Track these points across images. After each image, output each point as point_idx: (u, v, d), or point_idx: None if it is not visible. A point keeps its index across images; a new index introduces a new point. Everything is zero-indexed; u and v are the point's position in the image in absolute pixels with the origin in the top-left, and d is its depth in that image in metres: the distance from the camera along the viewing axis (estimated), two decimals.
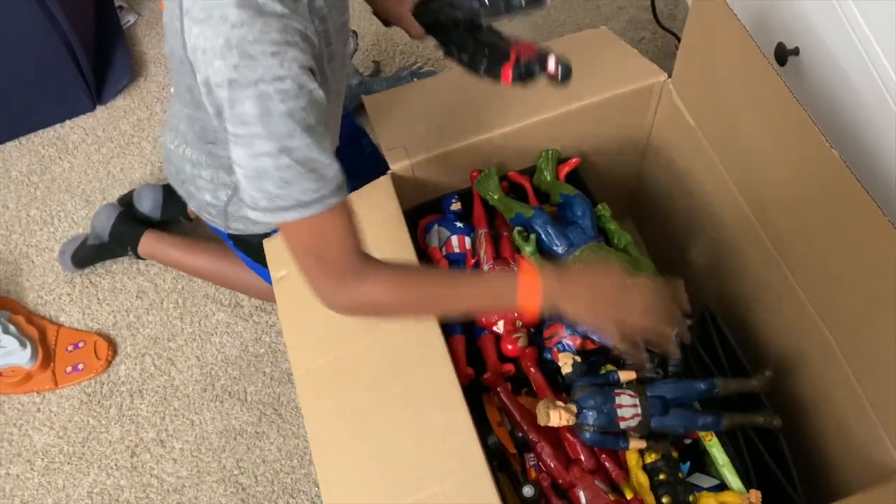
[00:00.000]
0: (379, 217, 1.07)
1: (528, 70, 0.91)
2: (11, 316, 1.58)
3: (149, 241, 1.59)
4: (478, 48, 0.96)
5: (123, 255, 1.64)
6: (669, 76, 1.20)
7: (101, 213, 1.62)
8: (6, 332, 1.52)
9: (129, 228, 1.60)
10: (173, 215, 1.66)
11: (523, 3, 0.92)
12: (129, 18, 2.01)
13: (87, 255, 1.63)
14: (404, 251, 1.04)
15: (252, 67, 0.72)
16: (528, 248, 1.07)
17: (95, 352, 1.56)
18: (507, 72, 0.92)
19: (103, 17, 1.97)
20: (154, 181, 1.73)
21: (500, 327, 1.05)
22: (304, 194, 0.76)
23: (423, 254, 1.14)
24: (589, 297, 0.87)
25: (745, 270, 1.16)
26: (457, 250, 1.13)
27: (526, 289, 0.84)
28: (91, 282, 1.65)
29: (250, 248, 1.22)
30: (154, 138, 1.84)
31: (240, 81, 0.72)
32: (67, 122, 1.87)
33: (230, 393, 1.51)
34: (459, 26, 0.97)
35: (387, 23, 1.06)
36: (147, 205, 1.64)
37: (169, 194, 1.65)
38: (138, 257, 1.62)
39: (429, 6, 0.99)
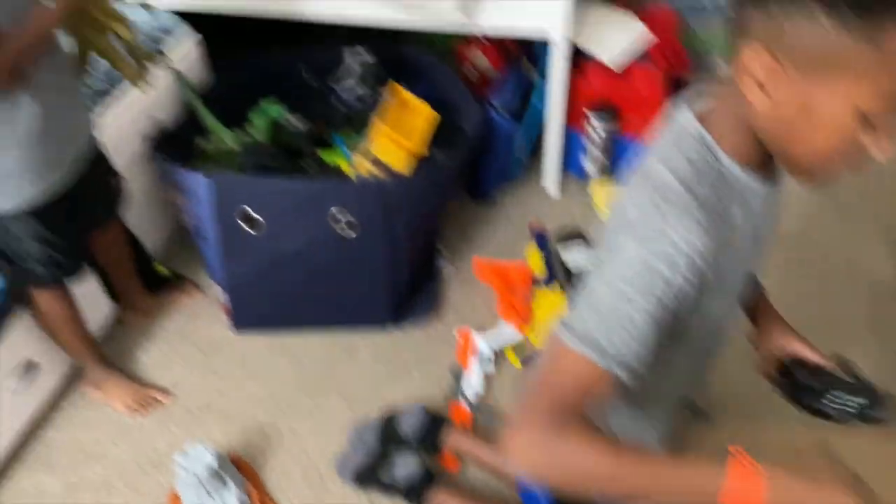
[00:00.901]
0: None
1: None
2: (247, 485, 1.66)
3: (437, 498, 1.64)
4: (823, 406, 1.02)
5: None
6: None
7: (410, 463, 1.67)
8: (240, 501, 1.60)
9: (426, 487, 1.65)
10: (429, 444, 1.73)
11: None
12: (446, 266, 2.23)
13: (374, 484, 1.68)
14: None
15: (658, 216, 0.77)
16: None
17: None
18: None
19: (427, 256, 2.22)
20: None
21: None
22: (610, 345, 0.76)
23: None
24: None
25: None
26: None
27: (737, 494, 0.71)
28: (327, 489, 1.71)
29: None
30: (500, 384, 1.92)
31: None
32: (362, 332, 2.06)
33: None
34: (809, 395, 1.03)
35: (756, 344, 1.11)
36: (410, 423, 1.73)
37: (432, 422, 1.74)
38: None
39: (824, 374, 1.02)
